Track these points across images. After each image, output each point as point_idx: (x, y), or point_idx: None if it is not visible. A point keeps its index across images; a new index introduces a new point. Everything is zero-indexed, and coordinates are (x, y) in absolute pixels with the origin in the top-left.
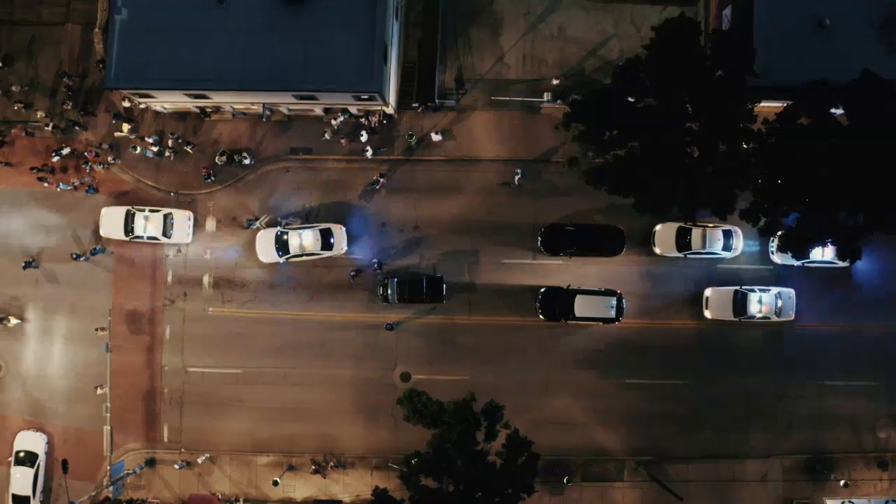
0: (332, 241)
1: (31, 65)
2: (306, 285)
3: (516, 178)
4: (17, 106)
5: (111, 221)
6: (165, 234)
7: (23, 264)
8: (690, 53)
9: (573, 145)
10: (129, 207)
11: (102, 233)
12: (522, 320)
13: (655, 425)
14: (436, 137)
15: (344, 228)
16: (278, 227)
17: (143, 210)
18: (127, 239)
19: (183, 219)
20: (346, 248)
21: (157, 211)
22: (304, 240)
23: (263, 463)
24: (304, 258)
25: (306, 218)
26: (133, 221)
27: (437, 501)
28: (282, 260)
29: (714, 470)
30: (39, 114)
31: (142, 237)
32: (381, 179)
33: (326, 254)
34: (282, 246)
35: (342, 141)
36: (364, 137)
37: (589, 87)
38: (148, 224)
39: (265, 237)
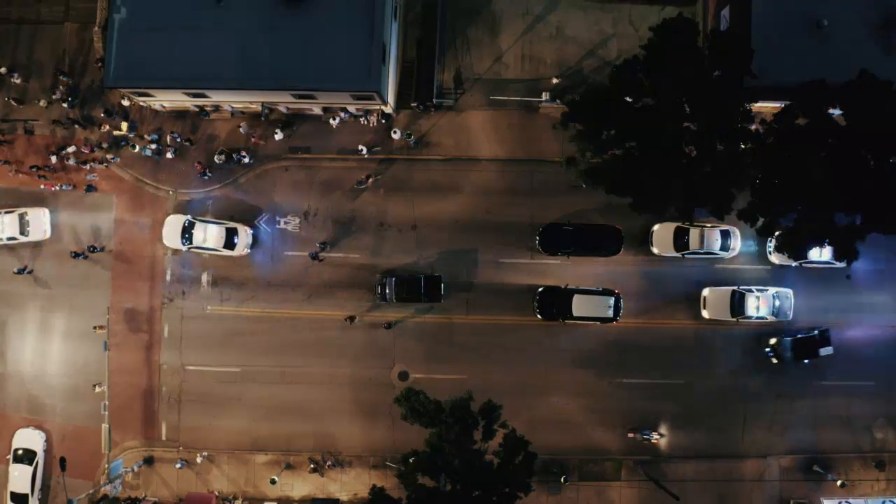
0: (235, 240)
1: (30, 63)
2: (305, 284)
3: None
4: (10, 100)
5: None
6: (23, 232)
7: (15, 270)
8: (688, 54)
9: (571, 145)
10: None
11: None
12: (520, 320)
13: (653, 425)
14: (395, 136)
15: (251, 231)
16: (188, 216)
17: None
18: None
19: (38, 216)
20: (248, 250)
21: (12, 211)
22: (208, 234)
23: (261, 461)
24: (206, 252)
25: (304, 217)
26: None
27: (435, 500)
28: (184, 248)
29: (711, 469)
30: (42, 103)
31: (1, 239)
32: (370, 179)
33: (226, 252)
34: (187, 235)
35: (253, 140)
36: (279, 136)
37: (587, 86)
38: (4, 225)
39: (174, 222)
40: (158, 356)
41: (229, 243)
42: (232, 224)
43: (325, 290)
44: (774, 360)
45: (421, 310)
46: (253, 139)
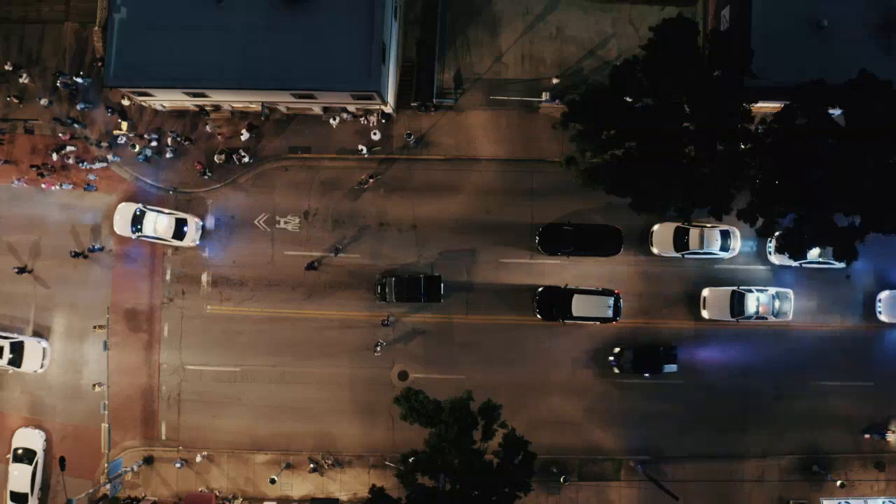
0: (184, 230)
1: (30, 62)
2: (304, 283)
3: None
4: (12, 99)
5: None
6: None
7: (15, 270)
8: (688, 54)
9: (571, 145)
10: None
11: None
12: (520, 320)
13: (652, 425)
14: (375, 137)
15: (201, 223)
16: (139, 204)
17: None
18: None
19: None
20: (198, 241)
21: None
22: (158, 223)
23: (261, 461)
24: (154, 240)
25: (304, 216)
26: None
27: (434, 500)
28: (134, 236)
29: (711, 470)
30: (43, 101)
31: None
32: (371, 180)
33: (176, 242)
34: (137, 222)
35: (218, 136)
36: (245, 135)
37: (587, 86)
38: None
39: (125, 210)
40: (158, 356)
41: (178, 234)
42: (182, 215)
43: (325, 289)
44: (616, 370)
45: (421, 309)
46: (220, 136)
